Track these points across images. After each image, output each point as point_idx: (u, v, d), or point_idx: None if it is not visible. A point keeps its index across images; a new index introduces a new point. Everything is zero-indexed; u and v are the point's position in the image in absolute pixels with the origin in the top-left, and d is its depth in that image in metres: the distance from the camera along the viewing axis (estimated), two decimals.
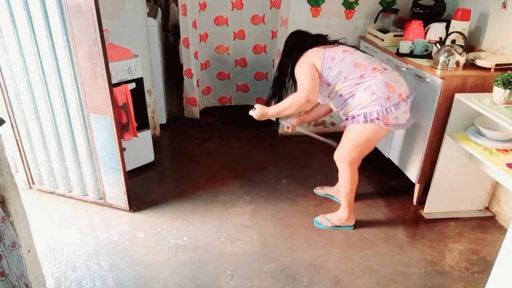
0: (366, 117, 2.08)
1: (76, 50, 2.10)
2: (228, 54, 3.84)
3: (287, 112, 2.20)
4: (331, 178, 2.92)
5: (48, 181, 2.63)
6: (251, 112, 2.28)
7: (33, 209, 2.52)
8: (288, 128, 2.61)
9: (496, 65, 2.30)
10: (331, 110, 2.51)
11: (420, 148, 2.50)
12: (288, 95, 2.25)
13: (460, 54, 2.32)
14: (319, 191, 2.78)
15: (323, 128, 3.66)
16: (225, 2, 3.57)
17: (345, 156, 2.24)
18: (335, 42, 2.29)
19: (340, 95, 2.17)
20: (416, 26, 2.73)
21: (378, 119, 2.07)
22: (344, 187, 2.32)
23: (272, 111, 2.25)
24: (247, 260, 2.16)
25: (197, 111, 3.81)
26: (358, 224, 2.46)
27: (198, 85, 3.76)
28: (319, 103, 2.49)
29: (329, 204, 2.64)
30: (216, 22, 3.66)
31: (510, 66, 2.30)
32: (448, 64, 2.33)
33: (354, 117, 2.14)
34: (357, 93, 2.11)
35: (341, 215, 2.40)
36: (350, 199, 2.35)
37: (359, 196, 2.73)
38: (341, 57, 2.14)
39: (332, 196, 2.71)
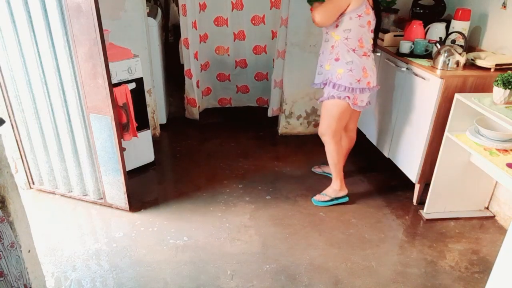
0: (339, 93, 2.34)
1: (76, 50, 2.10)
2: (228, 55, 3.83)
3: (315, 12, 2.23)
4: (331, 178, 2.92)
5: (48, 181, 2.63)
6: None
7: (33, 209, 2.52)
8: None
9: (496, 65, 2.30)
10: None
11: (420, 148, 2.50)
12: None
13: (460, 54, 2.32)
14: (317, 169, 3.01)
15: None
16: (225, 3, 3.57)
17: (327, 129, 2.49)
18: (374, 9, 2.31)
19: (332, 46, 2.33)
20: (416, 26, 2.73)
21: (348, 97, 2.34)
22: (332, 158, 2.57)
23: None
24: (247, 260, 2.16)
25: (196, 112, 3.81)
26: (358, 224, 2.46)
27: (198, 86, 3.76)
28: None
29: None
30: (216, 23, 3.66)
31: (510, 66, 2.30)
32: (448, 64, 2.33)
33: (328, 85, 2.37)
34: (341, 60, 2.31)
35: (334, 187, 2.64)
36: (339, 168, 2.61)
37: (359, 196, 2.74)
38: (361, 23, 2.26)
39: (330, 174, 2.81)
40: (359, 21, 2.24)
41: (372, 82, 2.36)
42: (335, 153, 2.55)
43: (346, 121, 2.53)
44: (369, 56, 2.33)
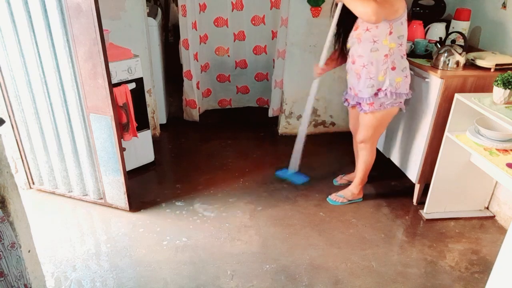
0: (396, 100, 2.28)
1: (76, 50, 2.10)
2: (228, 55, 3.83)
3: (354, 6, 2.06)
4: (331, 177, 2.93)
5: (48, 181, 2.63)
6: None
7: (33, 209, 2.52)
8: (317, 73, 2.50)
9: (496, 65, 2.30)
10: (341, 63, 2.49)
11: (420, 148, 2.50)
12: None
13: (460, 54, 2.32)
14: (341, 181, 2.87)
15: (323, 128, 3.66)
16: (225, 3, 3.56)
17: (373, 138, 2.45)
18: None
19: (386, 55, 2.18)
20: (416, 26, 2.73)
21: (401, 102, 2.31)
22: (367, 165, 2.56)
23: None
24: (247, 260, 2.16)
25: (196, 114, 3.80)
26: (358, 224, 2.46)
27: (198, 88, 3.75)
28: (338, 60, 2.49)
29: (329, 205, 2.64)
30: (216, 23, 3.66)
31: (510, 66, 2.30)
32: (448, 64, 2.32)
33: (377, 95, 2.26)
34: (397, 68, 2.23)
35: (355, 191, 2.65)
36: (365, 176, 2.62)
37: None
38: (406, 26, 2.19)
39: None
40: (406, 25, 2.18)
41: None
42: (372, 160, 2.56)
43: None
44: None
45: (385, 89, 2.24)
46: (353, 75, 2.31)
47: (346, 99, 2.49)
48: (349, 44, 2.29)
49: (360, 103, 2.35)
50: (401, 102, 2.32)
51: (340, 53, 2.46)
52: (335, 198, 2.66)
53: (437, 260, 2.20)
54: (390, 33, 2.13)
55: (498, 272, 1.61)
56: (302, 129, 2.71)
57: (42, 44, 2.16)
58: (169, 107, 4.01)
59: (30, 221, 1.63)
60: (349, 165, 3.11)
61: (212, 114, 4.02)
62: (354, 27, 2.24)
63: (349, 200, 2.65)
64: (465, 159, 2.37)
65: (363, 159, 2.54)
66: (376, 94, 2.27)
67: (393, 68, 2.21)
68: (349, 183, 2.81)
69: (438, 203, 2.53)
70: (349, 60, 2.33)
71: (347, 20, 2.24)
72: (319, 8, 3.17)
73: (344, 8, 2.16)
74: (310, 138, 3.57)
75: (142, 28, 3.06)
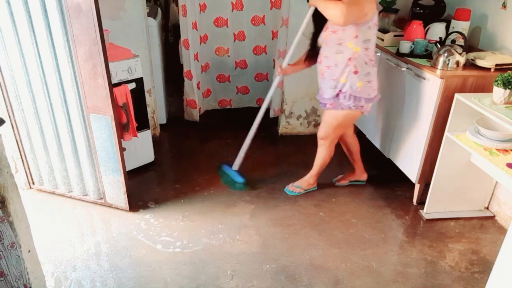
0: (355, 104, 2.31)
1: (76, 50, 2.10)
2: (228, 56, 3.83)
3: (325, 9, 2.12)
4: (331, 177, 2.92)
5: (48, 181, 2.63)
6: None
7: (33, 209, 2.52)
8: (278, 72, 2.60)
9: (496, 65, 2.30)
10: (309, 65, 2.57)
11: (420, 148, 2.50)
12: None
13: (460, 54, 2.32)
14: (341, 182, 2.88)
15: None
16: (225, 3, 3.56)
17: (331, 136, 2.52)
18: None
19: (349, 58, 2.21)
20: (416, 26, 2.73)
21: (362, 106, 2.33)
22: (323, 161, 2.64)
23: (321, 3, 2.17)
24: (247, 260, 2.16)
25: (196, 114, 3.79)
26: (358, 224, 2.46)
27: (198, 88, 3.75)
28: (306, 62, 2.56)
29: (329, 205, 2.65)
30: (216, 24, 3.66)
31: (510, 66, 2.30)
32: (448, 64, 2.32)
33: (338, 96, 2.31)
34: (360, 73, 2.24)
35: (310, 181, 2.74)
36: (321, 169, 2.70)
37: (359, 196, 2.74)
38: (375, 31, 2.23)
39: (357, 181, 2.88)
40: (375, 30, 2.21)
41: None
42: (328, 157, 2.64)
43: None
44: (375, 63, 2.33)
45: (345, 92, 2.28)
46: (319, 75, 2.40)
47: (321, 102, 2.52)
48: (319, 44, 2.37)
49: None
50: (362, 106, 2.33)
51: (308, 55, 2.53)
52: (292, 188, 2.75)
53: (437, 260, 2.20)
54: (356, 36, 2.16)
55: (498, 272, 1.61)
56: (254, 126, 2.76)
57: (42, 44, 2.16)
58: (169, 107, 4.01)
59: (30, 221, 1.63)
60: (349, 165, 3.11)
61: (212, 114, 4.02)
62: (324, 28, 2.30)
63: (305, 190, 2.75)
64: (465, 159, 2.37)
65: (321, 155, 2.63)
66: (337, 95, 2.33)
67: (356, 72, 2.23)
68: (350, 183, 2.85)
69: (438, 203, 2.53)
70: (318, 59, 2.39)
71: (319, 21, 2.30)
72: None
73: (317, 10, 2.22)
74: (310, 138, 3.58)
75: (142, 28, 3.06)
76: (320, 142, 2.59)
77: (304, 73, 3.35)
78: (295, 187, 2.75)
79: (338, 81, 2.28)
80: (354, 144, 2.76)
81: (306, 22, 2.35)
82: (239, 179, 2.81)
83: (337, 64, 2.25)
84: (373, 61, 2.28)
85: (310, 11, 2.31)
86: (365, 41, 2.19)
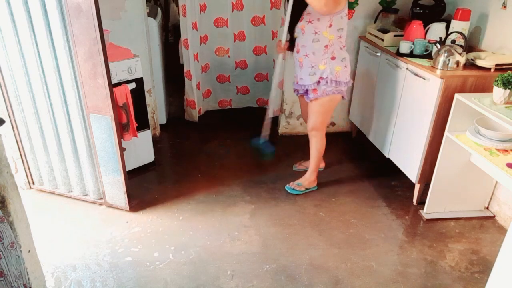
0: (337, 88, 2.45)
1: (76, 50, 2.10)
2: (228, 56, 3.83)
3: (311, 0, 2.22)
4: (331, 177, 2.93)
5: (48, 181, 2.63)
6: None
7: (33, 209, 2.52)
8: (279, 50, 2.63)
9: (496, 65, 2.30)
10: None
11: (420, 148, 2.50)
12: None
13: (460, 54, 2.32)
14: (300, 167, 3.03)
15: None
16: (225, 3, 3.56)
17: (322, 125, 2.60)
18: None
19: (326, 45, 2.37)
20: (416, 26, 2.73)
21: (342, 90, 2.48)
22: (319, 152, 2.70)
23: None
24: (247, 260, 2.16)
25: (196, 114, 3.79)
26: (358, 224, 2.46)
27: (198, 88, 3.75)
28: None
29: (329, 205, 2.65)
30: (216, 24, 3.66)
31: (510, 66, 2.30)
32: (448, 64, 2.33)
33: (320, 83, 2.42)
34: (337, 58, 2.40)
35: (311, 178, 2.77)
36: (319, 162, 2.76)
37: (359, 196, 2.74)
38: (346, 21, 2.38)
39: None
40: (346, 19, 2.37)
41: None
42: (322, 148, 2.70)
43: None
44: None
45: (326, 77, 2.42)
46: (297, 64, 2.51)
47: (296, 89, 2.64)
48: (295, 34, 2.47)
49: (307, 92, 2.52)
50: (342, 90, 2.49)
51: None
52: (293, 186, 2.77)
53: (437, 260, 2.20)
54: (330, 25, 2.32)
55: (498, 272, 1.61)
56: (271, 99, 2.84)
57: (42, 44, 2.17)
58: (169, 107, 4.01)
59: (30, 221, 1.63)
60: (349, 165, 3.12)
61: (212, 114, 4.02)
62: (300, 19, 2.42)
63: (306, 188, 2.77)
64: (465, 159, 2.37)
65: (315, 146, 2.68)
66: (318, 82, 2.44)
67: (333, 58, 2.39)
68: (306, 170, 2.91)
69: (438, 203, 2.53)
70: (294, 49, 2.51)
71: (295, 12, 2.42)
72: None
73: (295, 1, 2.35)
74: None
75: (142, 28, 3.06)
76: (311, 134, 2.65)
77: None
78: (296, 185, 2.77)
79: (317, 68, 2.41)
80: None
81: (289, 12, 2.44)
82: (269, 149, 2.92)
83: (314, 52, 2.39)
84: (345, 47, 2.45)
85: (291, 1, 2.39)
86: (338, 30, 2.35)
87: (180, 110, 3.94)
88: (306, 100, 2.58)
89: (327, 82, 2.41)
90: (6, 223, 1.29)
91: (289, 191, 2.75)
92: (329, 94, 2.46)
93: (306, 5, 2.28)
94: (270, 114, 2.82)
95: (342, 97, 2.53)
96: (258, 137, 2.90)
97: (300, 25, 2.40)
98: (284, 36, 2.54)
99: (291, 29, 2.49)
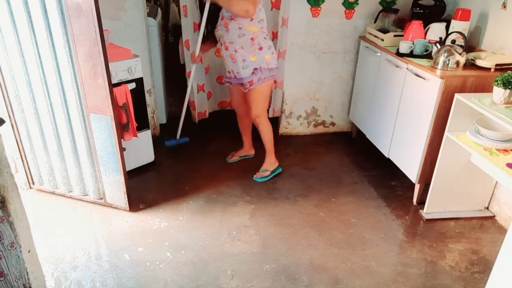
0: (270, 74, 2.62)
1: (76, 50, 2.10)
2: None
3: (232, 6, 2.39)
4: (331, 177, 2.93)
5: (48, 181, 2.63)
6: None
7: (33, 209, 2.52)
8: (193, 59, 2.92)
9: (496, 65, 2.30)
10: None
11: (420, 148, 2.50)
12: None
13: (460, 54, 2.32)
14: (233, 158, 3.16)
15: (323, 128, 3.66)
16: None
17: (263, 111, 2.74)
18: None
19: (252, 38, 2.51)
20: (416, 26, 2.73)
21: (274, 75, 2.65)
22: (269, 135, 2.83)
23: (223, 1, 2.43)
24: (247, 260, 2.16)
25: (195, 115, 3.78)
26: (358, 224, 2.46)
27: (203, 90, 3.73)
28: (208, 43, 2.87)
29: (329, 205, 2.65)
30: None
31: (510, 66, 2.30)
32: (448, 64, 2.33)
33: (254, 73, 2.57)
34: (264, 48, 2.56)
35: (272, 160, 2.93)
36: (272, 145, 2.89)
37: (359, 196, 2.74)
38: (264, 11, 2.52)
39: (246, 156, 3.18)
40: (264, 10, 2.50)
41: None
42: (270, 130, 2.82)
43: None
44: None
45: (259, 67, 2.57)
46: (229, 60, 2.62)
47: (228, 82, 2.78)
48: (219, 32, 2.59)
49: (243, 84, 2.64)
50: (273, 75, 2.66)
51: (206, 38, 2.83)
52: (260, 174, 2.89)
53: (437, 260, 2.20)
54: (252, 19, 2.45)
55: (498, 272, 1.61)
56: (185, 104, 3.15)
57: (42, 44, 2.16)
58: (169, 107, 4.01)
59: (30, 221, 1.63)
60: (349, 165, 3.12)
61: (212, 114, 4.01)
62: (220, 17, 2.56)
63: (272, 172, 2.91)
64: (465, 159, 2.37)
65: (264, 131, 2.82)
66: (253, 73, 2.58)
67: (261, 48, 2.55)
68: (241, 158, 3.14)
69: (438, 203, 2.53)
70: (222, 47, 2.63)
71: (213, 13, 2.63)
72: (319, 8, 3.17)
73: (211, 4, 2.56)
74: (310, 138, 3.59)
75: (142, 28, 3.06)
76: (257, 121, 2.77)
77: (304, 73, 3.37)
78: (262, 172, 2.90)
79: (249, 60, 2.55)
80: (247, 120, 2.98)
81: (206, 16, 2.66)
82: (183, 141, 3.30)
83: (242, 46, 2.53)
84: (268, 36, 2.61)
85: (207, 6, 2.62)
86: (259, 21, 2.50)
87: (180, 110, 3.93)
88: (243, 91, 2.70)
89: (261, 71, 2.58)
90: (6, 223, 1.29)
91: (258, 180, 2.87)
92: (264, 82, 2.62)
93: (221, 7, 2.47)
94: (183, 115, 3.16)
95: (274, 81, 2.73)
96: (172, 139, 3.28)
97: (223, 23, 2.52)
98: (198, 49, 2.79)
99: (212, 29, 2.67)
